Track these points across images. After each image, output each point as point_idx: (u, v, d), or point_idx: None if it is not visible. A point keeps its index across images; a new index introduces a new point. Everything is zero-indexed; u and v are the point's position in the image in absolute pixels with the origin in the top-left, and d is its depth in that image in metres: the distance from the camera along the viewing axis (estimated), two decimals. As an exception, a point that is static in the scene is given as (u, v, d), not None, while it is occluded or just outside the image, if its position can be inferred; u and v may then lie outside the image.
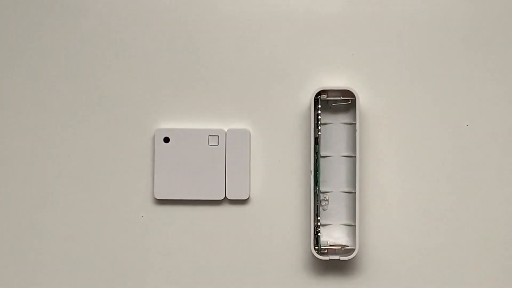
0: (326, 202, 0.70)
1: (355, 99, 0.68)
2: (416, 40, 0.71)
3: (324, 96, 0.68)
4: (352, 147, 0.69)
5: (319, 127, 0.69)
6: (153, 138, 0.70)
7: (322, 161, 0.69)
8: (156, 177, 0.70)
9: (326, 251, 0.68)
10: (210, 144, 0.70)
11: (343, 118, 0.70)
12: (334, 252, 0.68)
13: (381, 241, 0.70)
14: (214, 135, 0.70)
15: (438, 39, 0.71)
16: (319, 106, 0.68)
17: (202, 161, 0.70)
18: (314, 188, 0.68)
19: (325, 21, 0.71)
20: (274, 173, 0.70)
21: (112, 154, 0.71)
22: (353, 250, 0.67)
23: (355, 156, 0.68)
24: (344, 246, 0.68)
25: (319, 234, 0.68)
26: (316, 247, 0.68)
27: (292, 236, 0.70)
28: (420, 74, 0.71)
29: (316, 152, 0.68)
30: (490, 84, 0.70)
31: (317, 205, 0.68)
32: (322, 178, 0.69)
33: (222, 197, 0.70)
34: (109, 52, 0.71)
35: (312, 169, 0.67)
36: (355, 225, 0.67)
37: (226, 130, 0.70)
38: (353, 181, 0.68)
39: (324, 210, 0.70)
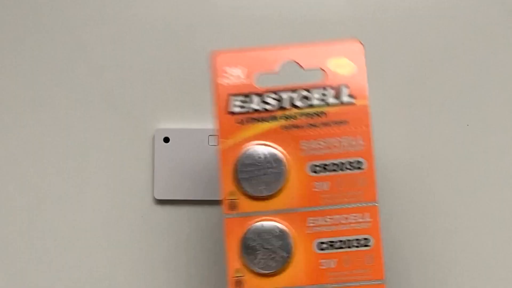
0: (326, 202, 0.70)
1: (355, 99, 0.68)
2: (416, 40, 0.71)
3: (324, 96, 0.69)
4: (352, 147, 0.69)
5: (319, 127, 0.69)
6: (153, 138, 0.70)
7: (322, 161, 0.69)
8: (156, 177, 0.70)
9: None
10: (210, 144, 0.70)
11: (343, 118, 0.70)
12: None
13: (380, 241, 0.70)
14: (214, 135, 0.70)
15: (438, 39, 0.71)
16: (319, 106, 0.68)
17: (202, 161, 0.70)
18: (314, 188, 0.68)
19: (325, 21, 0.71)
20: (274, 173, 0.70)
21: (112, 154, 0.71)
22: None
23: (355, 156, 0.68)
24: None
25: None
26: (316, 247, 0.68)
27: (292, 236, 0.70)
28: (420, 74, 0.71)
29: (316, 152, 0.68)
30: (490, 84, 0.70)
31: (317, 205, 0.69)
32: (322, 178, 0.69)
33: (222, 197, 0.70)
34: (108, 51, 0.71)
35: (312, 169, 0.68)
36: (355, 225, 0.67)
37: (226, 130, 0.70)
38: (353, 181, 0.69)
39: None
